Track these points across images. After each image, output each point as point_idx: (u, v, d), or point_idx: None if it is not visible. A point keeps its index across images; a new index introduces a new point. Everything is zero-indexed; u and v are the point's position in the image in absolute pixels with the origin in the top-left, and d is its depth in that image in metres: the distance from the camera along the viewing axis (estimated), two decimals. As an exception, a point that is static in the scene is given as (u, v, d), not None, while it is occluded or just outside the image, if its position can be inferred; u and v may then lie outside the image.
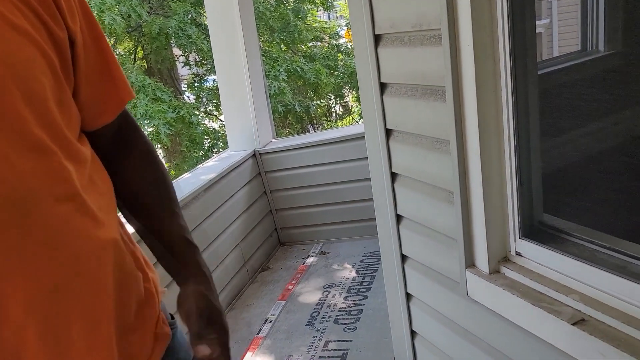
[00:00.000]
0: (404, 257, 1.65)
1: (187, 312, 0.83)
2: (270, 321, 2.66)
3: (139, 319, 0.81)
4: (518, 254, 1.25)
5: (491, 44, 1.16)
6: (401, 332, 1.77)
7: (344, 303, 2.69)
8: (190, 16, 6.91)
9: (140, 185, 0.89)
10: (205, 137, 7.29)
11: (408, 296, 1.68)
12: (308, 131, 9.64)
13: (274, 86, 6.73)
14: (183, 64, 7.83)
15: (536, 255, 1.20)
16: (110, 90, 0.81)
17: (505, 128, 1.20)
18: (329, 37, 9.24)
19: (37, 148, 0.65)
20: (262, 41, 7.71)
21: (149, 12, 6.80)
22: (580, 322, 1.06)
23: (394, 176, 1.58)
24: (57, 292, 0.67)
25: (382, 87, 1.49)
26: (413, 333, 1.72)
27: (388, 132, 1.54)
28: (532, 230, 1.24)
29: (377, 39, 1.44)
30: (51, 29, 0.68)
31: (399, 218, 1.62)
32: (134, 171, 0.89)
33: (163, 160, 0.96)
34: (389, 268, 1.74)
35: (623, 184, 2.10)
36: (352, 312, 2.59)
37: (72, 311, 0.69)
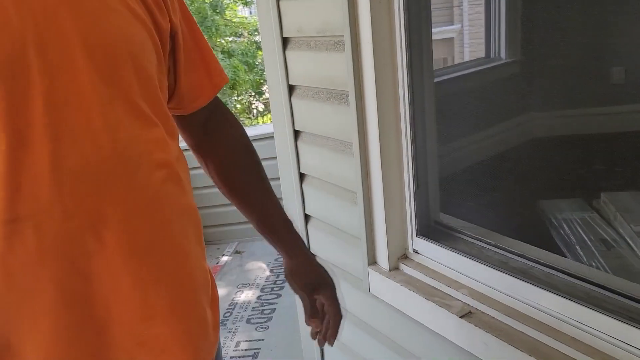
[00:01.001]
0: (312, 256, 1.68)
1: (299, 282, 0.97)
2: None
3: (208, 295, 0.84)
4: (415, 251, 1.32)
5: (390, 52, 1.21)
6: (309, 332, 1.80)
7: (257, 302, 2.69)
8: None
9: (236, 167, 0.95)
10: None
11: (316, 294, 1.72)
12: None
13: (190, 81, 6.55)
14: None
15: (431, 253, 1.28)
16: (205, 77, 0.88)
17: (403, 132, 1.26)
18: (248, 33, 9.15)
19: (143, 118, 0.72)
20: (178, 35, 7.48)
21: None
22: (467, 314, 1.14)
23: (302, 176, 1.60)
24: (152, 248, 0.72)
25: (291, 88, 1.51)
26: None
27: (296, 133, 1.56)
28: (428, 229, 1.32)
29: (285, 41, 1.46)
30: (157, 19, 0.74)
31: (307, 217, 1.65)
32: (229, 154, 0.95)
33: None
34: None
35: (510, 185, 2.27)
36: (265, 312, 2.60)
37: (161, 268, 0.73)
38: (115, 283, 0.69)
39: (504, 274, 1.11)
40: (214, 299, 0.87)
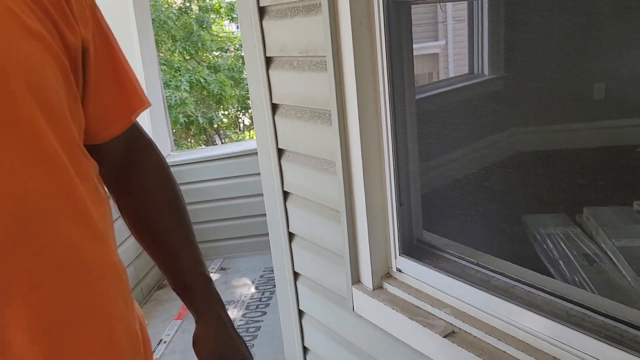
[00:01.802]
0: (296, 274, 1.68)
1: (202, 354, 0.82)
2: (165, 342, 2.57)
3: (141, 354, 0.76)
4: (399, 270, 1.32)
5: (372, 72, 1.22)
6: (294, 349, 1.79)
7: (242, 320, 2.67)
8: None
9: (153, 209, 0.83)
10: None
11: (300, 313, 1.71)
12: (214, 142, 9.48)
13: (175, 96, 6.56)
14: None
15: (414, 271, 1.28)
16: (120, 99, 0.75)
17: (385, 150, 1.27)
18: (234, 48, 9.18)
19: (50, 162, 0.60)
20: (164, 50, 7.49)
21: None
22: (450, 334, 1.14)
23: (286, 194, 1.60)
24: (65, 321, 0.62)
25: (274, 107, 1.52)
26: (305, 349, 1.75)
27: (280, 152, 1.56)
28: (411, 248, 1.32)
29: (268, 60, 1.47)
30: (64, 34, 0.63)
31: (291, 236, 1.64)
32: (145, 193, 0.83)
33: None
34: (282, 285, 1.76)
35: (493, 200, 2.29)
36: (250, 329, 2.57)
37: (80, 342, 0.64)
38: None
39: (486, 293, 1.11)
40: (147, 357, 0.78)
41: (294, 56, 1.36)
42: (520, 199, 2.34)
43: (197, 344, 0.84)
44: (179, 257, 0.84)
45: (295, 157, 1.51)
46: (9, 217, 0.56)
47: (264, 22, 1.42)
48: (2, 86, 0.55)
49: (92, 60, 0.69)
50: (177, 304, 2.91)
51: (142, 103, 0.78)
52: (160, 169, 0.85)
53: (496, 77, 3.00)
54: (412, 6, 1.25)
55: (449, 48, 7.98)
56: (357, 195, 1.30)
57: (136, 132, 0.82)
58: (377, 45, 1.19)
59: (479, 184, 2.48)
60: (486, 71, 3.03)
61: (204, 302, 0.85)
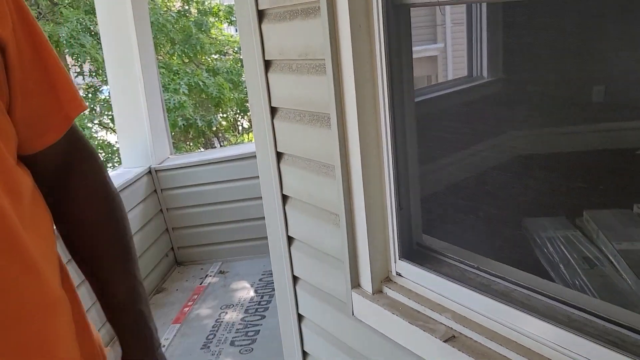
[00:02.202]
0: (295, 278, 1.67)
1: None
2: (164, 346, 2.56)
3: None
4: (398, 274, 1.32)
5: (371, 75, 1.22)
6: (293, 353, 1.78)
7: (241, 324, 2.66)
8: (84, 24, 6.56)
9: (88, 225, 0.75)
10: (100, 151, 6.91)
11: (300, 317, 1.70)
12: (213, 145, 9.47)
13: (174, 99, 6.55)
14: (76, 74, 7.39)
15: (414, 276, 1.27)
16: (52, 104, 0.68)
17: (384, 154, 1.26)
18: (233, 51, 9.18)
19: None
20: (162, 53, 7.49)
21: (37, 17, 6.36)
22: (451, 338, 1.13)
23: (285, 198, 1.59)
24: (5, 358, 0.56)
25: (273, 110, 1.51)
26: (305, 354, 1.74)
27: (279, 155, 1.55)
28: (411, 252, 1.32)
29: (267, 64, 1.46)
30: None
31: (290, 239, 1.63)
32: (82, 206, 0.74)
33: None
34: (281, 289, 1.75)
35: (493, 204, 2.28)
36: (249, 333, 2.56)
37: None
38: None
39: (486, 297, 1.11)
40: None
41: (293, 59, 1.36)
42: (519, 202, 2.33)
43: None
44: (109, 286, 0.76)
45: (294, 160, 1.50)
46: None
47: (263, 26, 1.42)
48: None
49: (15, 60, 0.62)
50: (175, 308, 2.91)
51: (78, 107, 0.71)
52: (97, 184, 0.76)
53: (495, 80, 2.99)
54: (411, 9, 1.25)
55: (448, 51, 7.99)
56: (356, 198, 1.30)
57: (74, 140, 0.74)
58: (376, 48, 1.19)
59: (478, 188, 2.47)
60: (485, 74, 3.03)
61: (135, 335, 0.78)
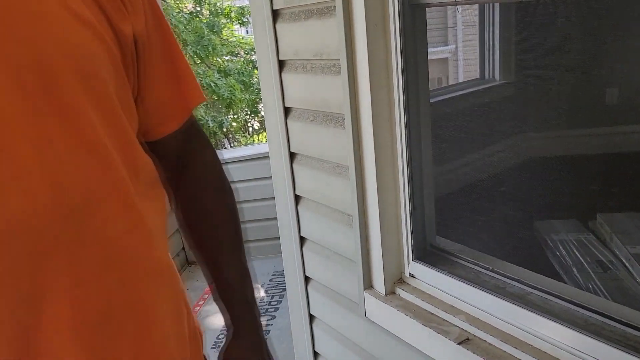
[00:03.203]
0: (307, 279, 1.67)
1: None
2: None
3: (188, 355, 0.73)
4: (412, 275, 1.31)
5: (386, 75, 1.21)
6: (304, 354, 1.78)
7: (251, 324, 2.66)
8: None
9: (205, 211, 0.80)
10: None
11: (311, 317, 1.70)
12: (224, 146, 9.50)
13: (186, 100, 6.57)
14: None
15: (427, 277, 1.26)
16: (175, 95, 0.72)
17: (399, 155, 1.26)
18: (244, 52, 9.22)
19: (96, 153, 0.58)
20: (175, 54, 7.52)
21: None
22: (465, 341, 1.12)
23: (297, 198, 1.59)
24: (107, 320, 0.60)
25: (287, 111, 1.51)
26: (316, 354, 1.74)
27: (292, 155, 1.55)
28: (424, 253, 1.31)
29: (282, 64, 1.46)
30: (115, 24, 0.61)
31: (302, 240, 1.63)
32: (200, 193, 0.80)
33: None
34: (293, 289, 1.75)
35: (505, 206, 2.27)
36: (259, 333, 2.56)
37: (121, 343, 0.61)
38: None
39: (501, 300, 1.10)
40: (197, 356, 0.76)
41: (308, 59, 1.36)
42: (532, 204, 2.32)
43: (226, 355, 0.82)
44: (221, 268, 0.81)
45: (307, 160, 1.50)
46: (53, 207, 0.54)
47: (278, 25, 1.42)
48: (49, 74, 0.54)
49: (146, 52, 0.67)
50: (195, 295, 2.91)
51: (198, 98, 0.76)
52: (214, 172, 0.81)
53: (507, 82, 2.98)
54: (427, 9, 1.24)
55: (459, 53, 7.97)
56: (370, 199, 1.29)
57: (193, 130, 0.79)
58: (392, 48, 1.18)
59: (491, 190, 2.46)
60: (497, 76, 3.01)
61: (243, 317, 0.83)
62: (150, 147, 0.72)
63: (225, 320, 0.84)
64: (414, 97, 1.23)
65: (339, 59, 1.24)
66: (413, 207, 1.28)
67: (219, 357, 0.83)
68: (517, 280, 1.13)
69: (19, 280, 0.54)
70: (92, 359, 0.59)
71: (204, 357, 0.81)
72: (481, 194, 2.38)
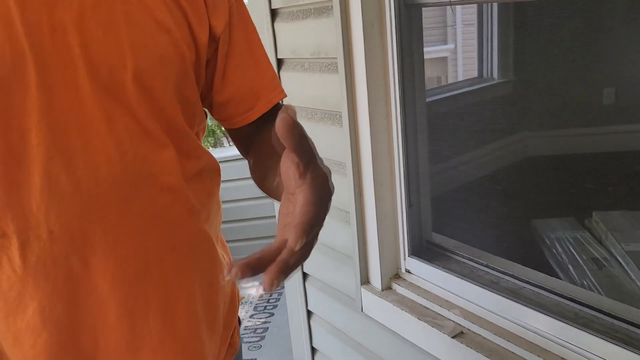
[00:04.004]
0: (305, 275, 1.69)
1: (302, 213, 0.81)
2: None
3: (218, 323, 0.79)
4: (408, 271, 1.33)
5: (383, 74, 1.24)
6: (302, 349, 1.80)
7: (249, 321, 2.68)
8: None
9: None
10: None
11: (309, 313, 1.72)
12: (222, 144, 9.51)
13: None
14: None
15: (423, 273, 1.29)
16: (256, 91, 0.78)
17: (395, 152, 1.28)
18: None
19: (151, 138, 0.67)
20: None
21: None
22: (459, 334, 1.14)
23: (295, 196, 1.61)
24: (142, 277, 0.68)
25: (284, 109, 1.53)
26: (314, 350, 1.76)
27: (290, 153, 1.57)
28: (420, 249, 1.33)
29: (280, 62, 1.49)
30: (193, 29, 0.68)
31: (300, 236, 1.65)
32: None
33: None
34: (291, 286, 1.77)
35: (502, 204, 2.29)
36: (258, 330, 2.59)
37: (152, 298, 0.69)
38: (101, 311, 0.67)
39: (495, 294, 1.12)
40: (226, 334, 0.81)
41: (305, 58, 1.38)
42: (529, 202, 2.34)
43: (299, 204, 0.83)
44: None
45: (305, 158, 1.52)
46: (104, 171, 0.64)
47: (276, 24, 1.44)
48: (116, 70, 0.62)
49: (225, 51, 0.73)
50: None
51: (279, 94, 0.81)
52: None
53: (505, 81, 2.99)
54: (423, 9, 1.26)
55: (458, 51, 7.97)
56: (367, 196, 1.31)
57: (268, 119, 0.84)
58: (388, 47, 1.20)
59: (488, 187, 2.48)
60: (495, 75, 3.03)
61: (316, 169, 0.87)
62: (231, 131, 0.81)
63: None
64: (410, 95, 1.25)
65: (336, 58, 1.26)
66: (409, 204, 1.30)
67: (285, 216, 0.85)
68: (511, 275, 1.15)
69: (73, 234, 0.64)
70: (124, 306, 0.67)
71: (238, 318, 0.88)
72: (477, 192, 2.41)
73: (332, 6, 1.22)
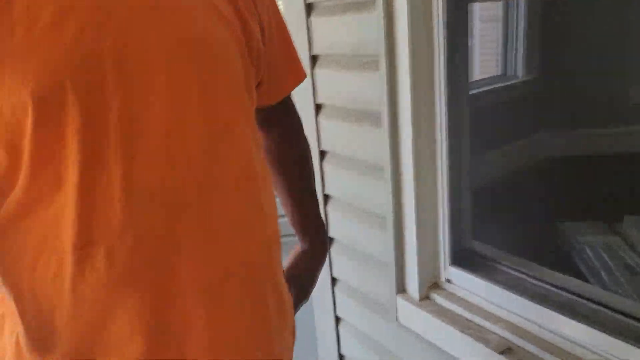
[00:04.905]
0: (334, 280, 1.63)
1: (292, 265, 0.98)
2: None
3: (285, 322, 0.81)
4: (448, 280, 1.27)
5: (428, 72, 1.16)
6: (328, 355, 1.74)
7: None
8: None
9: (281, 158, 0.94)
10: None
11: (337, 319, 1.66)
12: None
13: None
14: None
15: (465, 283, 1.22)
16: (288, 72, 0.87)
17: (439, 156, 1.21)
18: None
19: (229, 130, 0.67)
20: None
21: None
22: (507, 350, 1.08)
23: (326, 198, 1.55)
24: (227, 281, 0.67)
25: (318, 107, 1.47)
26: (341, 357, 1.70)
27: (322, 154, 1.51)
28: (462, 258, 1.26)
29: (314, 59, 1.42)
30: (246, 23, 0.71)
31: (330, 240, 1.59)
32: (279, 142, 0.94)
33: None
34: (319, 290, 1.71)
35: (528, 207, 2.21)
36: (278, 331, 2.53)
37: (239, 304, 0.69)
38: (187, 318, 0.64)
39: (544, 308, 1.06)
40: (292, 321, 0.86)
41: (343, 54, 1.31)
42: (554, 205, 2.26)
43: (295, 260, 0.99)
44: (302, 205, 0.98)
45: (338, 159, 1.46)
46: (186, 168, 0.62)
47: (311, 19, 1.37)
48: (193, 60, 0.63)
49: (266, 40, 0.78)
50: None
51: (303, 74, 0.90)
52: (299, 129, 0.96)
53: (531, 79, 2.91)
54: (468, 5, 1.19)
55: (476, 49, 7.86)
56: (406, 201, 1.25)
57: (290, 102, 0.94)
58: (435, 43, 1.13)
59: (512, 189, 2.40)
60: (519, 72, 2.95)
61: (317, 241, 1.00)
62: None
63: (301, 237, 1.00)
64: (455, 95, 1.18)
65: (377, 55, 1.19)
66: (452, 211, 1.24)
67: (288, 271, 0.97)
68: (562, 288, 1.09)
69: (159, 237, 0.61)
70: (214, 316, 0.66)
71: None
72: (502, 195, 2.33)
73: (374, 0, 1.15)
